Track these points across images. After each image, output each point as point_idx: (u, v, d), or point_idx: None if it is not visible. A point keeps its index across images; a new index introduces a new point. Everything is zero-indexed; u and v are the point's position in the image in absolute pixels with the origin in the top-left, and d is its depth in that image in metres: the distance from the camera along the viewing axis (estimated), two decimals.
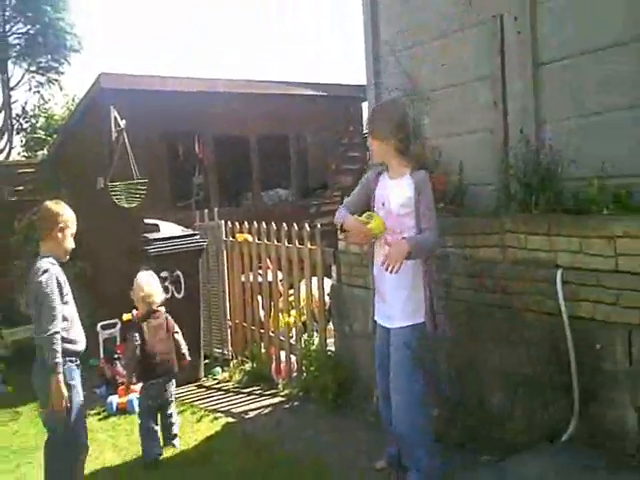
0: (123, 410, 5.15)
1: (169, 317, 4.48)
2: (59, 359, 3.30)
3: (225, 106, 7.92)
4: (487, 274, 3.69)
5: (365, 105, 7.39)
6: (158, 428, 4.25)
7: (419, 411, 3.25)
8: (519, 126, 3.95)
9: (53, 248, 3.48)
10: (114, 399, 5.23)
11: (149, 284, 4.45)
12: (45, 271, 3.33)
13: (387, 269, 3.08)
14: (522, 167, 3.75)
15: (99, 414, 5.18)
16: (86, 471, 3.82)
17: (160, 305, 4.48)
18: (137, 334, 4.21)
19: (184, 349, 4.44)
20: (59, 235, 3.47)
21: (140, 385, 4.45)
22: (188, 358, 4.48)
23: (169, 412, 4.34)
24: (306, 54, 38.33)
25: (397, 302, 3.29)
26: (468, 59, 4.31)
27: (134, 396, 5.10)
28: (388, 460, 3.57)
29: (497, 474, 3.09)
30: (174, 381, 4.40)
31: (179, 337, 4.46)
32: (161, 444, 4.22)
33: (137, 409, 4.87)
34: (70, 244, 3.54)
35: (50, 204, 3.54)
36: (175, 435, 4.34)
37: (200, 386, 5.72)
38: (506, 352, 3.54)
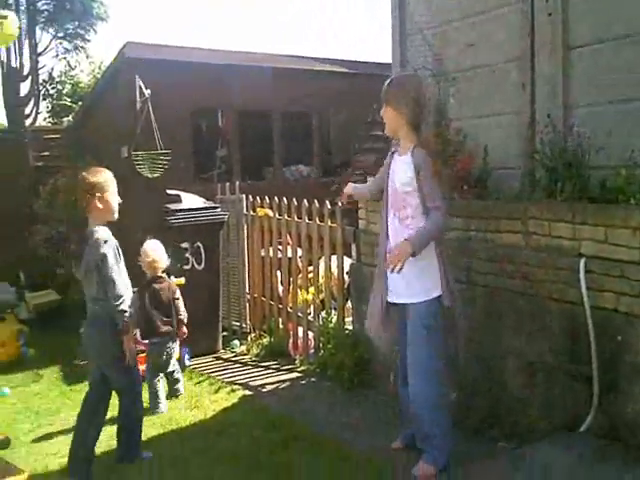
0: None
1: (172, 284, 4.80)
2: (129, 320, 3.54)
3: (250, 80, 7.92)
4: (509, 259, 3.67)
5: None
6: (161, 386, 4.61)
7: (436, 390, 3.27)
8: (546, 110, 3.91)
9: (101, 216, 3.59)
10: None
11: (154, 251, 4.81)
12: (106, 242, 3.49)
13: (391, 270, 3.14)
14: (548, 152, 3.71)
15: None
16: (104, 434, 3.95)
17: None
18: (144, 294, 4.62)
19: (182, 315, 4.72)
20: (101, 205, 3.55)
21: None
22: (184, 322, 4.73)
23: (171, 370, 4.74)
24: (331, 30, 38.03)
25: (410, 278, 3.29)
26: (497, 40, 4.26)
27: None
28: (404, 441, 3.59)
29: (513, 461, 3.10)
30: (175, 343, 4.74)
31: (179, 303, 4.72)
32: (164, 402, 4.57)
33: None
34: (114, 203, 3.64)
35: (86, 176, 3.60)
36: (178, 390, 4.79)
37: (218, 358, 5.81)
38: (526, 339, 3.54)
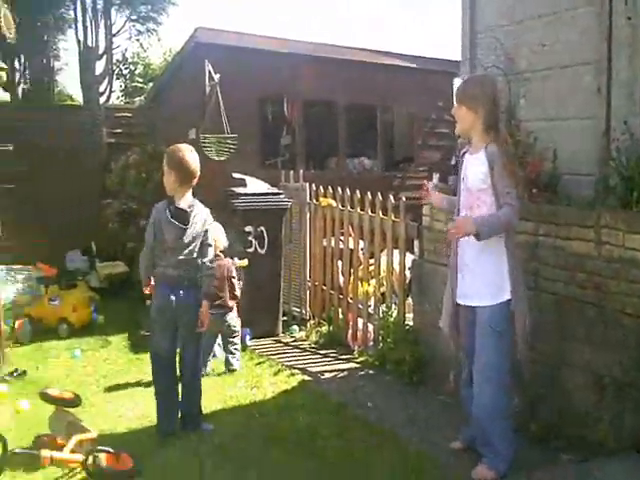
0: None
1: (229, 263, 5.12)
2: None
3: (317, 70, 8.00)
4: (579, 268, 3.61)
5: (457, 81, 7.31)
6: (213, 351, 5.08)
7: (500, 396, 3.26)
8: (623, 116, 3.80)
9: (191, 191, 3.89)
10: None
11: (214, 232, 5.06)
12: (208, 214, 3.86)
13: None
14: (624, 161, 3.63)
15: None
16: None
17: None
18: None
19: (237, 291, 5.10)
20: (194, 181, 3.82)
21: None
22: (237, 297, 5.11)
23: (231, 340, 5.07)
24: (401, 25, 37.70)
25: (479, 280, 3.30)
26: (572, 41, 4.16)
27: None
28: (465, 442, 3.58)
29: (579, 474, 3.05)
30: (232, 315, 5.09)
31: (234, 281, 5.09)
32: (208, 364, 4.95)
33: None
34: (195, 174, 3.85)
35: (181, 154, 3.80)
36: (232, 364, 5.06)
37: (277, 341, 5.96)
38: (595, 351, 3.47)
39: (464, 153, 3.50)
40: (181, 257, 3.76)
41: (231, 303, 5.03)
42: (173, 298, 3.75)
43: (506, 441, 3.26)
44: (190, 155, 3.81)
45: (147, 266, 3.89)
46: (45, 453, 3.22)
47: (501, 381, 3.26)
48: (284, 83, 8.02)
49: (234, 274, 5.07)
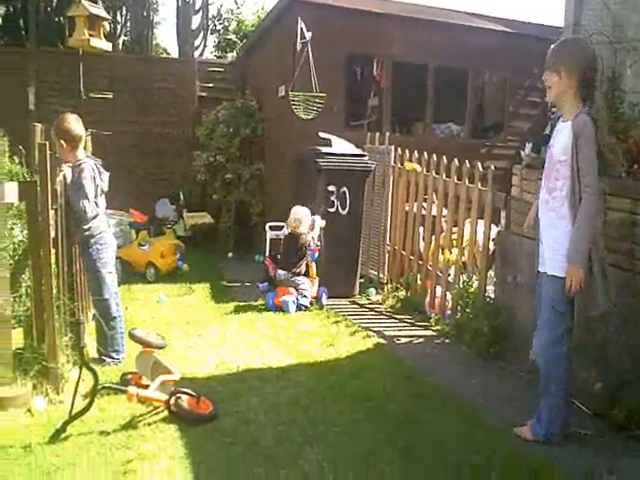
0: (279, 308, 5.61)
1: (308, 240, 5.77)
2: None
3: (407, 31, 7.81)
4: None
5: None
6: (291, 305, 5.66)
7: (557, 352, 3.24)
8: None
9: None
10: (272, 296, 5.69)
11: (296, 213, 5.86)
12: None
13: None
14: None
15: (260, 307, 5.68)
16: (247, 355, 4.32)
17: (324, 218, 5.91)
18: (287, 242, 5.92)
19: (311, 263, 5.83)
20: None
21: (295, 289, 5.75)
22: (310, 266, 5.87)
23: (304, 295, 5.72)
24: None
25: (551, 248, 3.26)
26: None
27: (290, 298, 5.55)
28: None
29: None
30: (305, 281, 5.77)
31: (309, 254, 5.81)
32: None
33: (291, 310, 5.35)
34: None
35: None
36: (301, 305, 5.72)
37: (354, 303, 6.02)
38: None
39: (558, 119, 3.36)
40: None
41: (303, 270, 5.76)
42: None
43: (555, 407, 3.27)
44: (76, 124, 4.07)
45: None
46: (132, 390, 3.42)
47: (558, 352, 3.24)
48: (375, 44, 7.88)
49: (312, 246, 5.60)
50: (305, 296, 5.72)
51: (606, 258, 3.28)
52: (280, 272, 5.80)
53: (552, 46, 3.27)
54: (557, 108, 3.36)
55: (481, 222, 5.15)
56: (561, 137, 3.21)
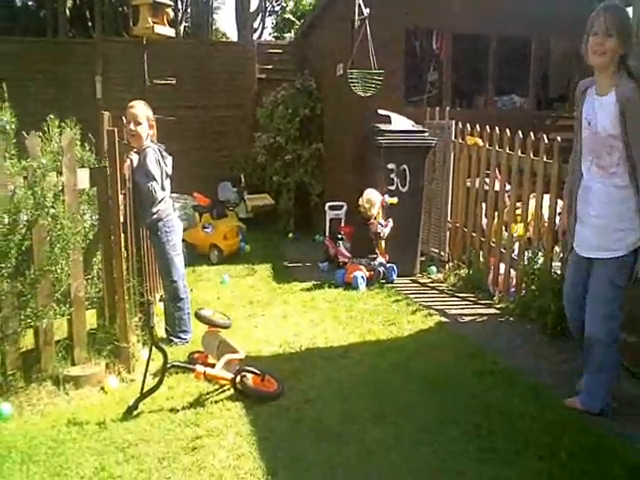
0: (348, 284, 5.65)
1: (377, 225, 5.81)
2: None
3: (468, 1, 7.59)
4: None
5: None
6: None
7: (613, 325, 3.19)
8: None
9: None
10: (342, 273, 5.75)
11: (367, 195, 5.85)
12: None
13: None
14: None
15: (321, 286, 5.71)
16: (309, 334, 4.38)
17: (393, 196, 5.89)
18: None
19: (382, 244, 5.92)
20: None
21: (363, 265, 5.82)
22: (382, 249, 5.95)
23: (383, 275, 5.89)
24: None
25: (602, 229, 3.15)
26: None
27: (359, 273, 5.59)
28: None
29: None
30: (379, 262, 5.85)
31: (380, 240, 5.86)
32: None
33: (361, 286, 5.39)
34: None
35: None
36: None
37: (414, 281, 5.99)
38: None
39: (584, 90, 3.24)
40: None
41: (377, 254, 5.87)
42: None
43: (608, 379, 3.24)
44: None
45: None
46: (199, 368, 3.52)
47: (617, 310, 3.18)
48: (434, 16, 7.70)
49: (381, 235, 5.76)
50: (386, 269, 5.84)
51: None
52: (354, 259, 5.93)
53: (601, 10, 3.10)
54: (598, 75, 3.18)
55: (546, 196, 4.99)
56: (606, 109, 3.09)
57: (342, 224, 6.69)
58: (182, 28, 13.46)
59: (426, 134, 6.26)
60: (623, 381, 3.52)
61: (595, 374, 3.29)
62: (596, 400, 3.30)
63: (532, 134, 5.18)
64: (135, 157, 4.21)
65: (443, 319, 4.92)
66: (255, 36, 9.78)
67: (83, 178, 3.67)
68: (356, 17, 7.05)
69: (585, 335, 3.29)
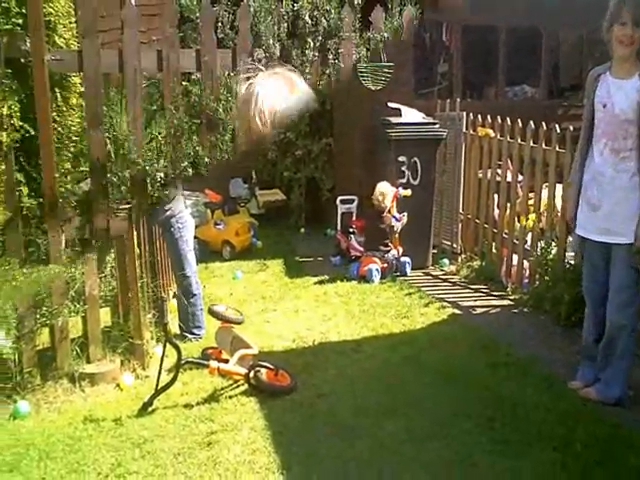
0: (362, 277, 5.64)
1: (390, 218, 5.73)
2: None
3: None
4: None
5: None
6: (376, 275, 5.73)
7: (631, 312, 3.19)
8: None
9: None
10: (357, 266, 5.73)
11: (380, 188, 5.78)
12: None
13: None
14: None
15: (333, 280, 5.70)
16: (321, 328, 4.41)
17: (406, 188, 5.90)
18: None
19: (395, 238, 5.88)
20: None
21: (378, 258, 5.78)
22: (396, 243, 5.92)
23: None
24: None
25: (620, 214, 3.14)
26: None
27: (374, 266, 5.59)
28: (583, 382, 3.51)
29: None
30: (392, 256, 5.82)
31: (393, 233, 5.84)
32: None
33: (375, 279, 5.42)
34: None
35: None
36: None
37: (427, 274, 5.97)
38: None
39: (598, 76, 3.24)
40: None
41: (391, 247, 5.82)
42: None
43: (625, 367, 3.26)
44: None
45: None
46: (213, 364, 3.55)
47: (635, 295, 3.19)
48: (443, 8, 7.64)
49: (395, 229, 5.75)
50: (400, 263, 5.85)
51: None
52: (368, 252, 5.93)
53: None
54: (618, 61, 3.18)
55: (559, 186, 4.96)
56: (626, 94, 3.10)
57: (354, 218, 6.68)
58: None
59: (437, 126, 6.23)
60: (635, 369, 3.50)
61: (616, 362, 3.28)
62: (614, 388, 3.28)
63: (544, 124, 5.15)
64: None
65: (456, 311, 4.91)
66: None
67: None
68: None
69: (607, 322, 3.28)
